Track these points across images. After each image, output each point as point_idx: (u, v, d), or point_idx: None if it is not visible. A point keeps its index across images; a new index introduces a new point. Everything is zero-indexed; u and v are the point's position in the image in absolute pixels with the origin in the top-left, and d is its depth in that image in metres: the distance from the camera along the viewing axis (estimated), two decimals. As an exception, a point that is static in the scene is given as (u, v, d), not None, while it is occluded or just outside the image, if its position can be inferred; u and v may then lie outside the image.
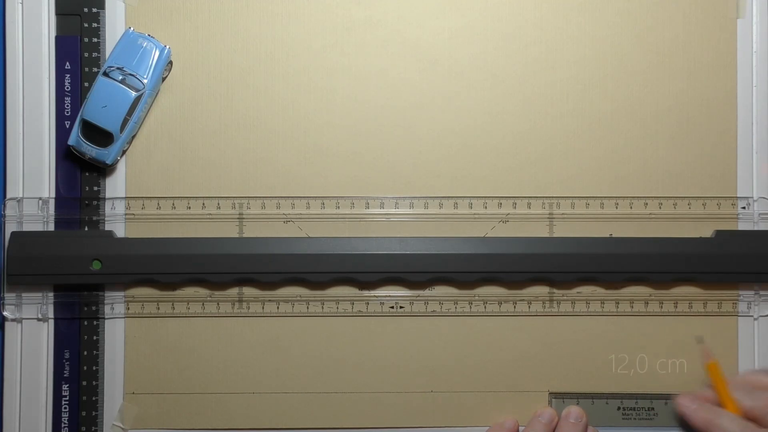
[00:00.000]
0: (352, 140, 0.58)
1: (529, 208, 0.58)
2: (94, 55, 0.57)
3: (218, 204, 0.58)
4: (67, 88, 0.57)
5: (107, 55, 0.56)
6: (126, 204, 0.57)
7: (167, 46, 0.56)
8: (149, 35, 0.56)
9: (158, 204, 0.57)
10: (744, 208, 0.58)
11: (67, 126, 0.57)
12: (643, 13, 0.59)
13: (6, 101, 0.57)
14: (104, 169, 0.57)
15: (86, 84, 0.57)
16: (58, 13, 0.57)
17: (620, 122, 0.58)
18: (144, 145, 0.58)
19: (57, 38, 0.57)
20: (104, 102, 0.55)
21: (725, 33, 0.59)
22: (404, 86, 0.58)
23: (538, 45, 0.58)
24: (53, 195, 0.57)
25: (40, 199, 0.57)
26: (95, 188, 0.57)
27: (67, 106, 0.57)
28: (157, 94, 0.57)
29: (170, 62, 0.57)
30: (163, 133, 0.58)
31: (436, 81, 0.58)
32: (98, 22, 0.57)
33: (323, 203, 0.58)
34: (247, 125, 0.58)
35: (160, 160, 0.58)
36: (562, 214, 0.58)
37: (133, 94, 0.55)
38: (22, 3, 0.57)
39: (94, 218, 0.57)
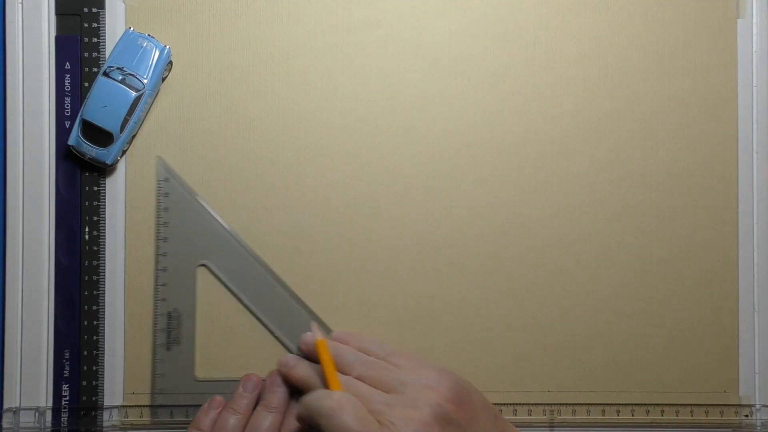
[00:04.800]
0: (352, 140, 0.58)
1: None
2: (94, 55, 0.57)
3: (218, 204, 0.58)
4: (67, 88, 0.57)
5: (107, 55, 0.56)
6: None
7: (167, 46, 0.56)
8: (149, 35, 0.56)
9: (158, 204, 0.57)
10: (747, 416, 0.57)
11: (67, 126, 0.57)
12: (643, 13, 0.59)
13: (6, 101, 0.57)
14: (104, 169, 0.57)
15: (86, 84, 0.57)
16: (58, 13, 0.57)
17: (620, 122, 0.58)
18: (144, 145, 0.58)
19: (57, 38, 0.57)
20: (104, 102, 0.55)
21: (725, 33, 0.59)
22: (404, 86, 0.58)
23: (538, 45, 0.58)
24: (53, 195, 0.57)
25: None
26: (95, 188, 0.57)
27: (67, 106, 0.57)
28: (157, 94, 0.57)
29: (170, 62, 0.57)
30: (163, 133, 0.58)
31: (436, 81, 0.58)
32: (98, 22, 0.57)
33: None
34: (247, 125, 0.58)
35: (160, 160, 0.58)
36: (562, 421, 0.57)
37: (133, 94, 0.55)
38: (22, 3, 0.57)
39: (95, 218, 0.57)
